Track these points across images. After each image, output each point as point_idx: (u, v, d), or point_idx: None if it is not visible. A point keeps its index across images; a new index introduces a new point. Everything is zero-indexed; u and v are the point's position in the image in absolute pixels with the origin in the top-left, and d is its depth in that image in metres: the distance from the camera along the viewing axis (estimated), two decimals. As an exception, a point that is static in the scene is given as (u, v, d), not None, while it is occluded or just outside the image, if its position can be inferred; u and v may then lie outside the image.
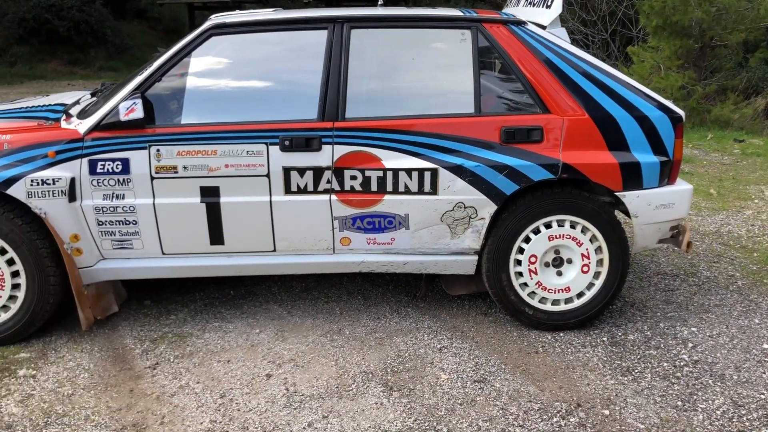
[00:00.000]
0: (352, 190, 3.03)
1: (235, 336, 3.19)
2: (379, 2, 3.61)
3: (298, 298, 3.59)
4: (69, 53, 17.02)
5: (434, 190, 3.01)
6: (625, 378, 2.80)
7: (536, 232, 3.09)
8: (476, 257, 3.15)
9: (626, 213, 3.17)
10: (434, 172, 2.99)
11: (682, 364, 2.90)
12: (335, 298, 3.59)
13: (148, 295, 3.61)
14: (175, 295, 3.63)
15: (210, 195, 3.02)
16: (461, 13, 3.16)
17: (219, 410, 2.60)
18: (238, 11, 3.42)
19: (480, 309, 3.44)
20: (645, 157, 3.04)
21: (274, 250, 3.14)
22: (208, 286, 3.72)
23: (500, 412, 2.58)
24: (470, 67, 3.07)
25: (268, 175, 3.00)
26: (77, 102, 3.46)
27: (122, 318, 3.36)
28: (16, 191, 2.91)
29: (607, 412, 2.57)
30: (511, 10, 3.62)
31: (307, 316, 3.39)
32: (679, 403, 2.63)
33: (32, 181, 2.91)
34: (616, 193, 3.05)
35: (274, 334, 3.21)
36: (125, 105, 2.90)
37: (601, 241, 3.09)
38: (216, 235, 3.08)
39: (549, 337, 3.14)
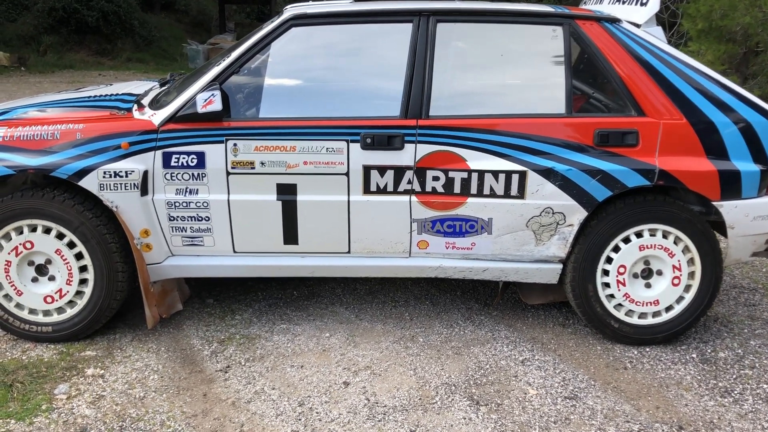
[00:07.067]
0: (434, 191, 2.89)
1: (305, 339, 3.06)
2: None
3: (364, 302, 3.46)
4: (97, 44, 17.00)
5: (521, 194, 2.87)
6: (725, 400, 2.64)
7: (626, 241, 2.93)
8: (561, 266, 3.00)
9: (716, 224, 3.01)
10: (522, 175, 2.84)
11: (782, 386, 2.74)
12: (403, 303, 3.45)
13: (210, 293, 3.49)
14: (237, 294, 3.50)
15: (287, 192, 2.89)
16: (552, 9, 3.01)
17: (299, 420, 2.48)
18: (311, 2, 3.29)
19: (557, 319, 3.29)
20: (745, 165, 2.87)
21: (349, 252, 3.01)
22: (270, 286, 3.60)
23: (598, 432, 2.43)
24: (562, 65, 2.92)
25: (347, 174, 2.87)
26: (147, 92, 3.34)
27: (186, 317, 3.24)
28: (88, 183, 2.79)
29: (712, 436, 2.42)
30: (595, 8, 3.45)
31: (377, 320, 3.25)
32: (789, 428, 2.47)
33: (105, 173, 2.79)
34: (714, 203, 2.89)
35: (345, 338, 3.07)
36: (203, 96, 2.78)
37: (694, 253, 2.93)
38: (290, 235, 2.95)
39: (635, 352, 2.99)
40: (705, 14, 9.81)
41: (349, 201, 2.90)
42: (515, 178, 2.85)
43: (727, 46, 9.88)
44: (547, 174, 2.83)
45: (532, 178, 2.84)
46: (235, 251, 2.99)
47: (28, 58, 14.74)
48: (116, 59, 16.81)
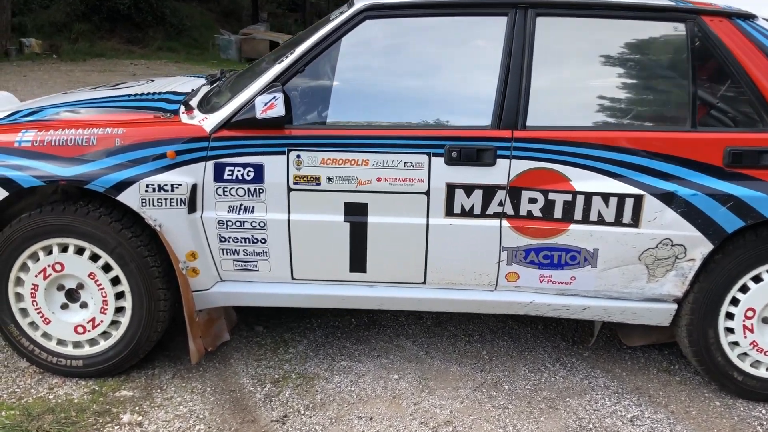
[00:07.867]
0: (530, 215, 2.46)
1: (371, 382, 2.64)
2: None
3: (433, 335, 3.03)
4: (128, 32, 16.75)
5: (636, 222, 2.42)
6: None
7: (757, 280, 2.47)
8: (675, 306, 2.54)
9: None
10: (638, 200, 2.39)
11: None
12: (477, 338, 3.02)
13: (259, 319, 3.09)
14: (289, 320, 3.10)
15: (356, 213, 2.47)
16: (674, 3, 2.54)
17: (375, 492, 2.06)
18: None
19: (661, 364, 2.84)
20: None
21: (424, 282, 2.58)
22: (325, 312, 3.18)
23: None
24: (685, 69, 2.46)
25: (427, 193, 2.44)
26: (195, 91, 2.93)
27: (234, 348, 2.84)
28: (128, 198, 2.40)
29: None
30: (718, 1, 2.97)
31: (450, 360, 2.83)
32: None
33: (147, 186, 2.39)
34: None
35: (417, 382, 2.65)
36: (263, 99, 2.36)
37: (839, 296, 2.47)
38: (358, 261, 2.54)
39: (763, 412, 2.53)
40: None
41: (428, 224, 2.48)
42: (629, 202, 2.40)
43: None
44: (668, 199, 2.38)
45: (650, 203, 2.39)
46: (293, 278, 2.58)
47: (60, 45, 14.52)
48: (147, 48, 16.55)
